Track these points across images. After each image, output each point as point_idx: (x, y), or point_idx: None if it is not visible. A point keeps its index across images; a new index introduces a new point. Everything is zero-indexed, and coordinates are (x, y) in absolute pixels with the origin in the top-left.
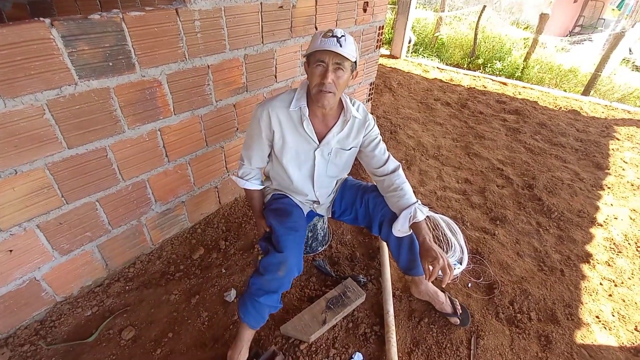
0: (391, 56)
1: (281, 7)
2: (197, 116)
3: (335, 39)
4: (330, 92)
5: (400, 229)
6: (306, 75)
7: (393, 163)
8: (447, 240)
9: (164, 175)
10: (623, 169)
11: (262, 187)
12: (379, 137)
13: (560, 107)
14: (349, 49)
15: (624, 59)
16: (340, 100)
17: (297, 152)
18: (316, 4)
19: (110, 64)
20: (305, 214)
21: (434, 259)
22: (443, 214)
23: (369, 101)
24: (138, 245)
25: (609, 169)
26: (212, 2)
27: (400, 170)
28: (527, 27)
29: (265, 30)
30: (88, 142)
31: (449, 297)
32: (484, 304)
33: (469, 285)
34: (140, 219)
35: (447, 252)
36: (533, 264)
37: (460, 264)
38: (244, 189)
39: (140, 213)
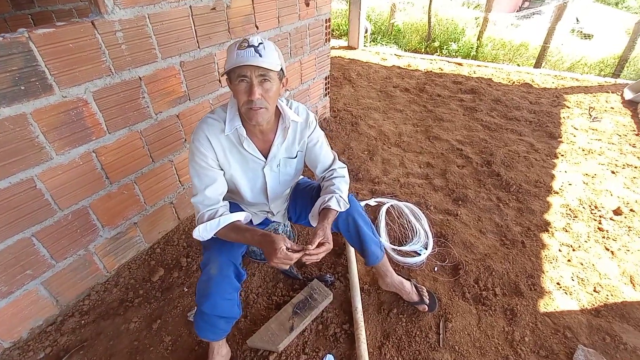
0: (349, 47)
1: (214, 8)
2: (137, 132)
3: (252, 49)
4: (262, 108)
5: (312, 213)
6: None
7: (338, 164)
8: (412, 227)
9: (107, 198)
10: (574, 136)
11: (242, 213)
12: (322, 138)
13: (514, 82)
14: (271, 58)
15: (572, 30)
16: (277, 107)
17: (245, 173)
18: (253, 2)
19: (22, 87)
20: (259, 222)
21: (316, 233)
22: (407, 201)
23: (326, 95)
24: (90, 275)
25: (561, 137)
26: (133, 10)
27: (344, 171)
28: (478, 6)
29: (200, 34)
30: (10, 175)
31: (414, 285)
32: (450, 286)
33: (435, 269)
34: (88, 248)
35: (412, 239)
36: (495, 239)
37: (426, 249)
38: (220, 232)
39: (87, 242)
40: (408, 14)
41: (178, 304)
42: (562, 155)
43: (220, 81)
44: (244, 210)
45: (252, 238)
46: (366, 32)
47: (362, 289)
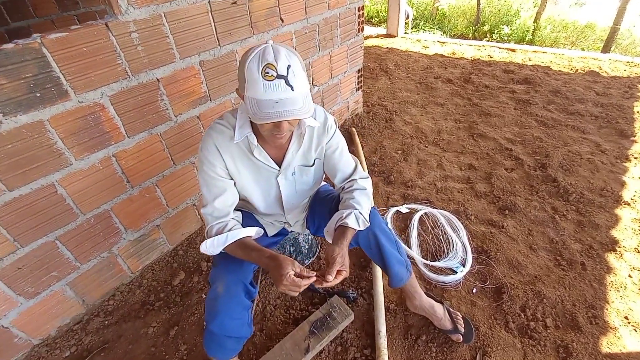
0: (388, 35)
1: (234, 2)
2: (156, 135)
3: (282, 81)
4: (286, 134)
5: (327, 228)
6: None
7: (360, 173)
8: (449, 239)
9: (129, 202)
10: None
11: (253, 228)
12: (342, 143)
13: (577, 70)
14: (302, 84)
15: None
16: None
17: (258, 182)
18: None
19: (38, 94)
20: (276, 232)
21: (333, 259)
22: (444, 209)
23: (358, 90)
24: (115, 276)
25: (634, 136)
26: (149, 9)
27: (367, 182)
28: None
29: (220, 31)
30: (31, 181)
31: (447, 310)
32: (491, 313)
33: (474, 291)
34: (112, 250)
35: (447, 254)
36: (549, 258)
37: (463, 266)
38: (228, 248)
39: (110, 244)
40: None
41: (196, 311)
42: (636, 158)
43: None
44: (257, 221)
45: (259, 259)
46: (407, 17)
47: (387, 309)
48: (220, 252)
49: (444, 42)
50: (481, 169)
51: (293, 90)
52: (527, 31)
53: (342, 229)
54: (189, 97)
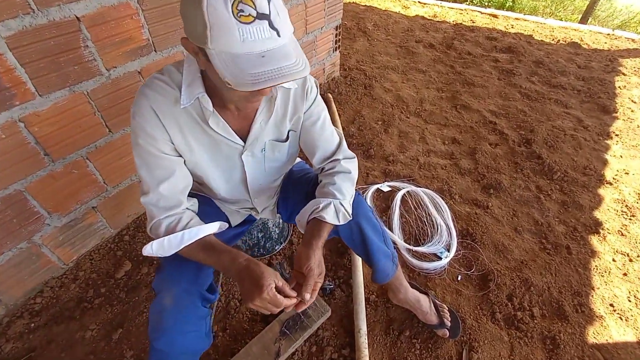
0: None
1: None
2: (82, 94)
3: (265, 22)
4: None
5: (300, 218)
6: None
7: (345, 152)
8: (433, 221)
9: (50, 179)
10: (632, 111)
11: (216, 224)
12: (325, 114)
13: (559, 40)
14: (288, 32)
15: None
16: None
17: (216, 161)
18: None
19: None
20: (241, 221)
21: (309, 269)
22: (427, 187)
23: (336, 50)
24: (41, 269)
25: (616, 112)
26: None
27: (352, 164)
28: None
29: None
30: None
31: (433, 302)
32: (477, 303)
33: (459, 278)
34: (33, 239)
35: (431, 237)
36: (534, 241)
37: (448, 251)
38: (184, 250)
39: (29, 232)
40: None
41: (144, 309)
42: (617, 135)
43: None
44: (217, 208)
45: (231, 264)
46: None
47: (367, 300)
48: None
49: (424, 3)
50: (465, 144)
51: (279, 36)
52: None
53: (317, 223)
54: (125, 46)
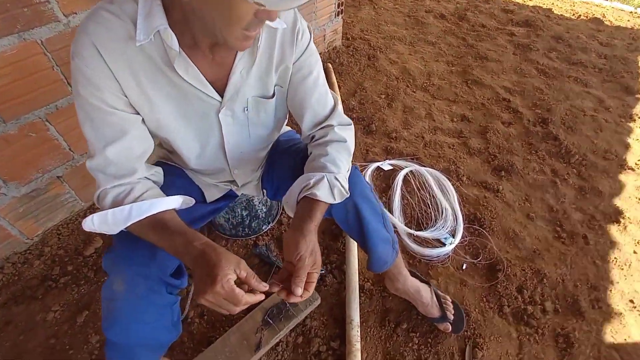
0: None
1: None
2: (35, 43)
3: None
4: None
5: (287, 198)
6: None
7: (340, 117)
8: (437, 204)
9: (3, 143)
10: None
11: (176, 198)
12: (319, 67)
13: (580, 15)
14: None
15: None
16: None
17: (186, 119)
18: None
19: None
20: (219, 197)
21: (299, 258)
22: (432, 167)
23: (338, 16)
24: (0, 243)
25: (639, 93)
26: None
27: (348, 131)
28: None
29: None
30: None
31: (435, 292)
32: (483, 294)
33: (464, 267)
34: None
35: (435, 222)
36: (548, 229)
37: (453, 237)
38: (133, 227)
39: None
40: None
41: None
42: None
43: None
44: (189, 180)
45: (185, 249)
46: None
47: (362, 288)
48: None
49: None
50: (475, 122)
51: None
52: None
53: (308, 202)
54: None
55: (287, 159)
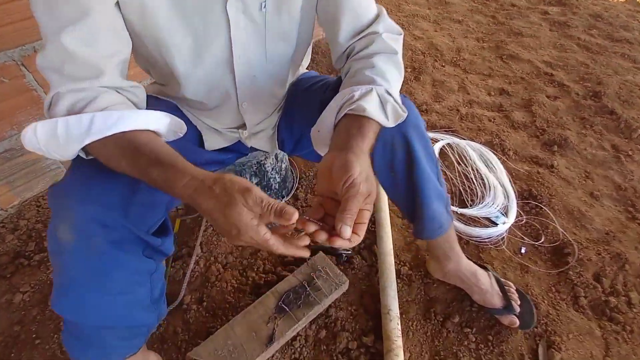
0: None
1: None
2: None
3: None
4: None
5: (320, 124)
6: None
7: (386, 24)
8: (482, 178)
9: None
10: None
11: (163, 118)
12: None
13: None
14: None
15: None
16: None
17: (181, 9)
18: None
19: None
20: (222, 146)
21: (351, 184)
22: (472, 139)
23: None
24: None
25: None
26: None
27: (397, 41)
28: None
29: None
30: None
31: (496, 279)
32: (551, 283)
33: (523, 251)
34: None
35: (482, 198)
36: (618, 209)
37: (506, 216)
38: (95, 147)
39: None
40: None
41: None
42: None
43: None
44: (185, 118)
45: (174, 179)
46: None
47: (398, 273)
48: (80, 159)
49: None
50: (517, 95)
51: None
52: None
53: (354, 119)
54: None
55: (312, 97)
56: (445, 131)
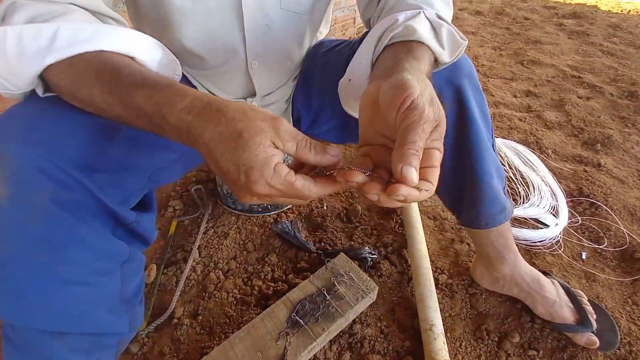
0: None
1: None
2: None
3: None
4: None
5: (352, 70)
6: None
7: None
8: (522, 176)
9: None
10: None
11: (150, 44)
12: None
13: (629, 11)
14: None
15: None
16: None
17: None
18: None
19: None
20: None
21: (411, 105)
22: (505, 138)
23: None
24: None
25: None
26: None
27: None
28: None
29: None
30: None
31: (564, 287)
32: (627, 293)
33: (584, 255)
34: None
35: (527, 198)
36: None
37: (557, 217)
38: (56, 72)
39: None
40: None
41: None
42: None
43: None
44: (184, 77)
45: (170, 102)
46: None
47: (436, 283)
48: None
49: None
50: (545, 96)
51: None
52: None
53: (400, 46)
54: None
55: (334, 59)
56: None
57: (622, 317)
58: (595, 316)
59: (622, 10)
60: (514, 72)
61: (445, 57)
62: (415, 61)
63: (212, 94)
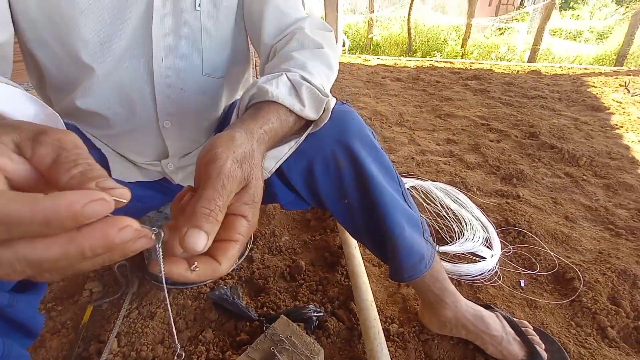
0: None
1: None
2: None
3: None
4: None
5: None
6: None
7: (315, 21)
8: (456, 214)
9: None
10: (623, 108)
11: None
12: None
13: (518, 71)
14: None
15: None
16: None
17: None
18: None
19: None
20: (143, 180)
21: (209, 155)
22: (433, 181)
23: None
24: None
25: (609, 109)
26: None
27: (325, 36)
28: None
29: None
30: None
31: (507, 319)
32: (567, 315)
33: (522, 283)
34: None
35: (461, 233)
36: (599, 228)
37: (491, 249)
38: None
39: None
40: (387, 28)
41: None
42: (622, 127)
43: None
44: (94, 148)
45: None
46: (344, 45)
47: (387, 335)
48: None
49: (383, 59)
50: (463, 142)
51: None
52: (457, 56)
53: (252, 109)
54: None
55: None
56: (407, 175)
57: (570, 341)
58: (543, 345)
59: (512, 72)
60: (434, 124)
61: (309, 112)
62: (252, 120)
63: (122, 156)
